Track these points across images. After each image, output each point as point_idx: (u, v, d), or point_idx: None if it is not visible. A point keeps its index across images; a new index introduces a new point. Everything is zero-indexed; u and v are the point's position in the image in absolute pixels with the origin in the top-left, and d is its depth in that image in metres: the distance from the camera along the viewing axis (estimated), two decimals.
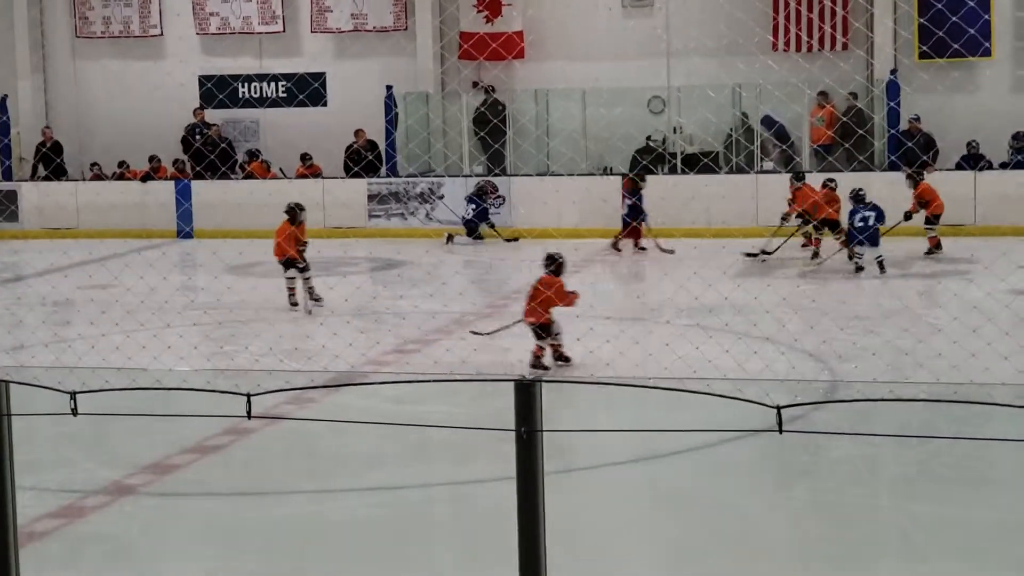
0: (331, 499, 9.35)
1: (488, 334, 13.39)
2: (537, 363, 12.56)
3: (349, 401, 11.35)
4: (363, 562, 8.08)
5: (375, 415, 10.54)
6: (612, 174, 22.96)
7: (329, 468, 10.00)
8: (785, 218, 19.39)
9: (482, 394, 11.44)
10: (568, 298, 12.74)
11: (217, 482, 9.83)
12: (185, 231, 23.88)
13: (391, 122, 24.47)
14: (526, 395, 4.62)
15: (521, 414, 4.62)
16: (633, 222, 20.29)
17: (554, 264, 12.81)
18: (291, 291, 16.10)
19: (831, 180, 19.38)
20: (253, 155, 25.35)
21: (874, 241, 17.71)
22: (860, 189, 18.38)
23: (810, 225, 19.11)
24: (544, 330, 12.56)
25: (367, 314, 15.57)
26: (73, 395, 4.60)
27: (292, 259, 15.98)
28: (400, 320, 15.14)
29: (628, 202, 20.35)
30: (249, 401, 4.58)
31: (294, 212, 16.30)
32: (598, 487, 9.32)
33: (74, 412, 4.58)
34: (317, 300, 15.99)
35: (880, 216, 17.85)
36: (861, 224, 17.73)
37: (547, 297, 12.53)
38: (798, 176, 19.93)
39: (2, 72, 26.69)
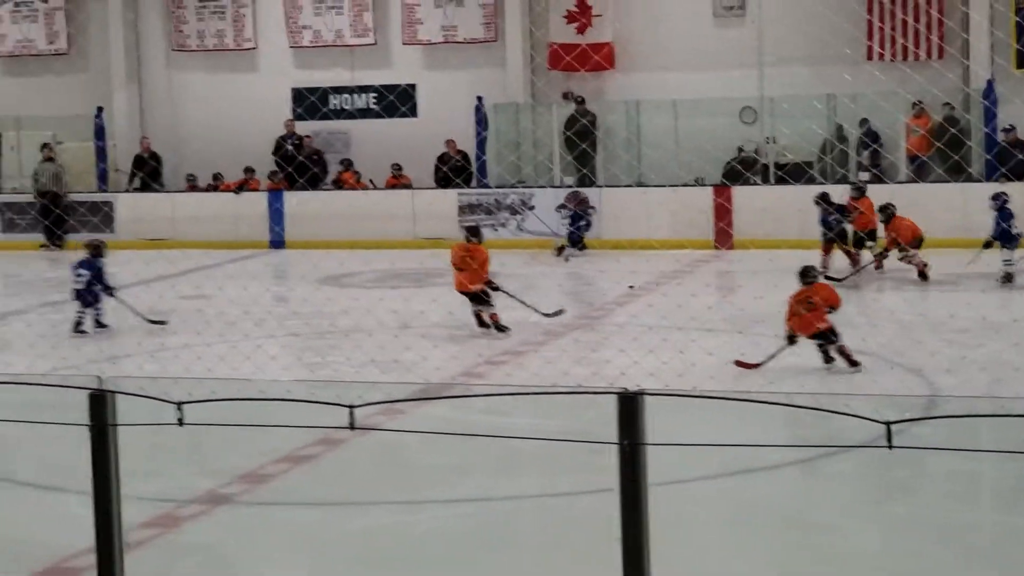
0: (420, 510, 9.32)
1: (755, 366, 12.66)
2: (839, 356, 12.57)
3: (441, 412, 11.31)
4: (451, 574, 8.02)
5: (466, 427, 10.49)
6: (704, 184, 22.79)
7: (419, 479, 9.96)
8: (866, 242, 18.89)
9: (575, 406, 11.35)
10: (833, 300, 12.83)
11: (310, 492, 9.83)
12: (277, 241, 24.03)
13: (481, 133, 24.46)
14: (630, 407, 4.55)
15: (624, 426, 4.55)
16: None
17: (808, 276, 12.88)
18: (478, 316, 15.44)
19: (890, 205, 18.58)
20: (345, 165, 25.48)
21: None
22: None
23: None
24: (824, 338, 12.57)
25: (462, 326, 15.54)
26: (179, 405, 4.58)
27: (473, 293, 15.30)
28: (495, 331, 15.09)
29: None
30: (352, 413, 4.55)
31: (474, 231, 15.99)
32: (694, 501, 9.19)
33: (180, 422, 4.58)
34: (501, 329, 15.14)
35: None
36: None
37: (812, 308, 12.55)
38: (860, 189, 19.43)
39: (99, 84, 27.06)
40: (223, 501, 9.36)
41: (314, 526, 9.07)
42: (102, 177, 26.31)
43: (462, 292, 15.19)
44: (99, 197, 25.55)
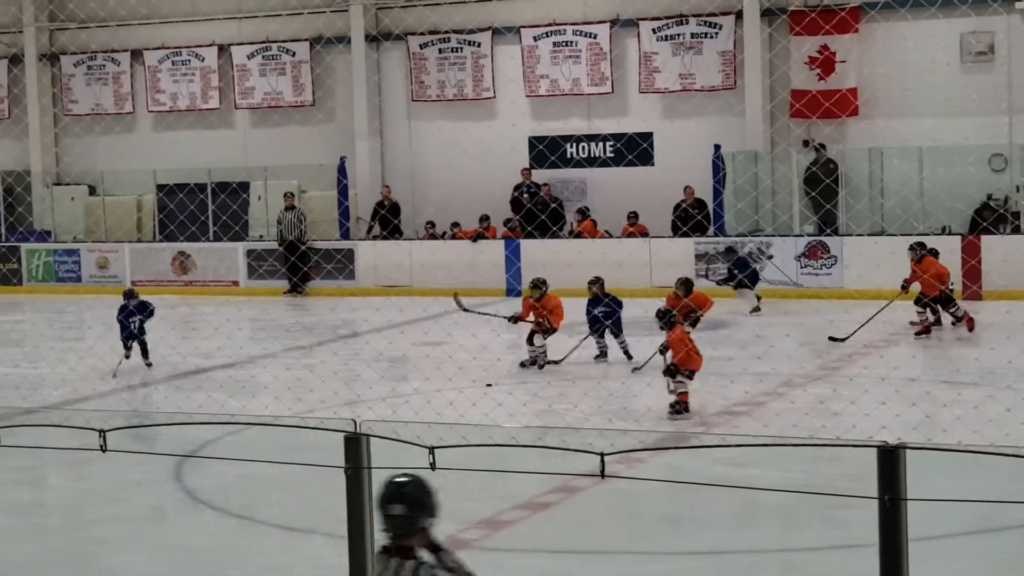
0: (658, 561, 9.20)
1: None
2: None
3: (676, 461, 11.16)
4: None
5: (703, 477, 10.32)
6: (951, 234, 22.13)
7: (657, 529, 9.84)
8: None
9: (816, 459, 11.09)
10: None
11: (547, 540, 9.78)
12: (515, 290, 24.17)
13: (719, 181, 24.24)
14: (890, 461, 4.35)
15: (885, 480, 4.35)
16: None
17: None
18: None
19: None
20: (583, 214, 25.53)
21: None
22: None
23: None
24: None
25: (698, 374, 15.34)
26: (432, 450, 4.59)
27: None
28: (728, 382, 14.87)
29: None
30: (603, 460, 4.47)
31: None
32: (951, 558, 8.82)
33: (432, 467, 4.58)
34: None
35: None
36: None
37: None
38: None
39: (342, 134, 27.77)
40: (461, 546, 9.36)
41: (551, 573, 9.02)
42: (343, 225, 26.95)
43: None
44: (340, 244, 26.17)
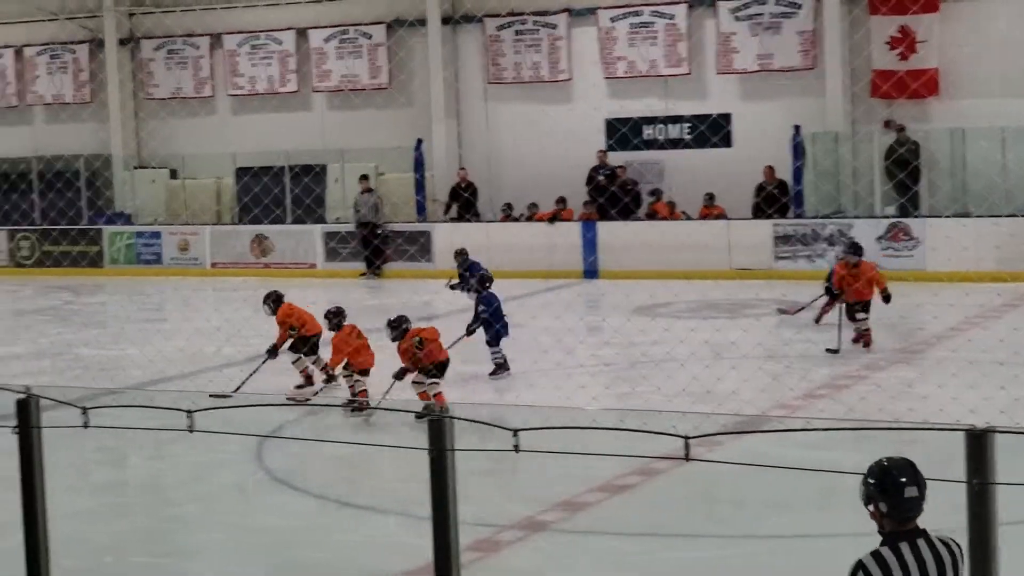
0: (737, 544, 9.14)
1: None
2: None
3: (755, 446, 11.06)
4: None
5: (784, 461, 10.22)
6: None
7: (735, 513, 9.78)
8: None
9: (898, 442, 10.95)
10: None
11: (626, 522, 9.76)
12: (591, 271, 24.14)
13: (798, 163, 24.02)
14: (979, 444, 4.28)
15: (973, 464, 4.29)
16: None
17: None
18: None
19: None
20: (656, 196, 25.42)
21: None
22: None
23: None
24: None
25: (778, 357, 15.25)
26: (515, 432, 4.58)
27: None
28: (810, 365, 14.76)
29: None
30: (687, 444, 4.44)
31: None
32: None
33: (516, 448, 4.57)
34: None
35: None
36: None
37: None
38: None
39: (419, 117, 27.80)
40: (541, 528, 9.37)
41: (631, 556, 8.99)
42: (420, 207, 27.00)
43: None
44: (417, 227, 26.24)
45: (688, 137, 25.89)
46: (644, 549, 9.13)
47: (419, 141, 27.02)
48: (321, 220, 27.54)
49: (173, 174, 29.95)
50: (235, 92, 29.76)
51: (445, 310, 20.84)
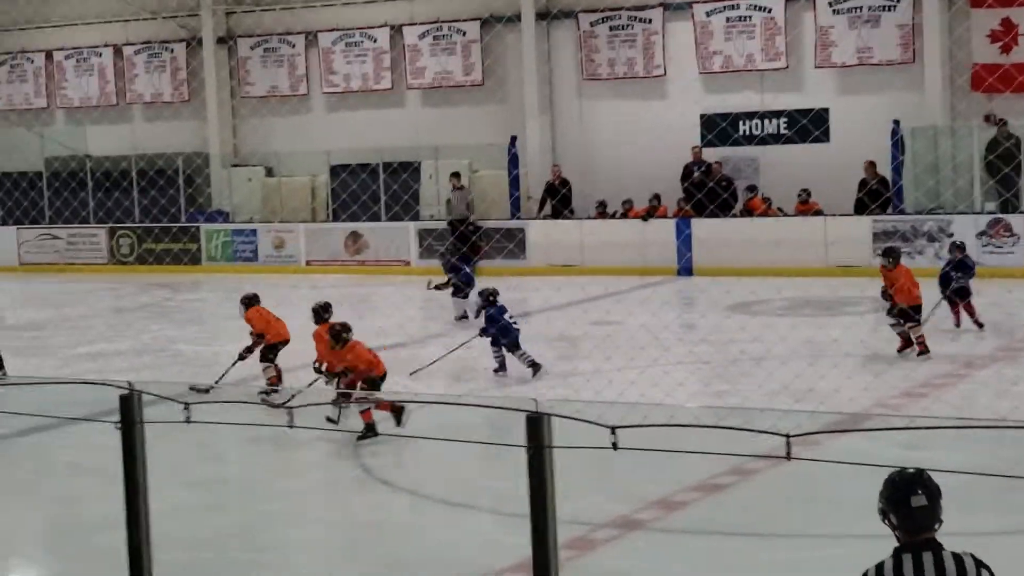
0: (836, 544, 9.01)
1: None
2: None
3: (855, 444, 10.92)
4: None
5: (884, 460, 10.07)
6: None
7: (833, 513, 9.64)
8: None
9: (1001, 441, 10.76)
10: None
11: (722, 521, 9.66)
12: (686, 268, 23.98)
13: (898, 158, 23.69)
14: None
15: None
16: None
17: None
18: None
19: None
20: (753, 191, 25.19)
21: None
22: None
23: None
24: None
25: (880, 356, 15.05)
26: (613, 430, 4.52)
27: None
28: (912, 363, 14.55)
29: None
30: (788, 443, 4.36)
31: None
32: None
33: (614, 447, 4.52)
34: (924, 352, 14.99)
35: None
36: None
37: None
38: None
39: (512, 114, 27.79)
40: (637, 527, 9.30)
41: (726, 556, 8.91)
42: (515, 204, 26.99)
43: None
44: (511, 224, 26.23)
45: (785, 132, 25.62)
46: (740, 549, 9.03)
47: (513, 138, 27.00)
48: (415, 217, 27.63)
49: (269, 172, 30.20)
50: (330, 90, 29.94)
51: (539, 306, 20.82)
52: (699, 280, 23.29)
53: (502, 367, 15.02)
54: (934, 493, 4.76)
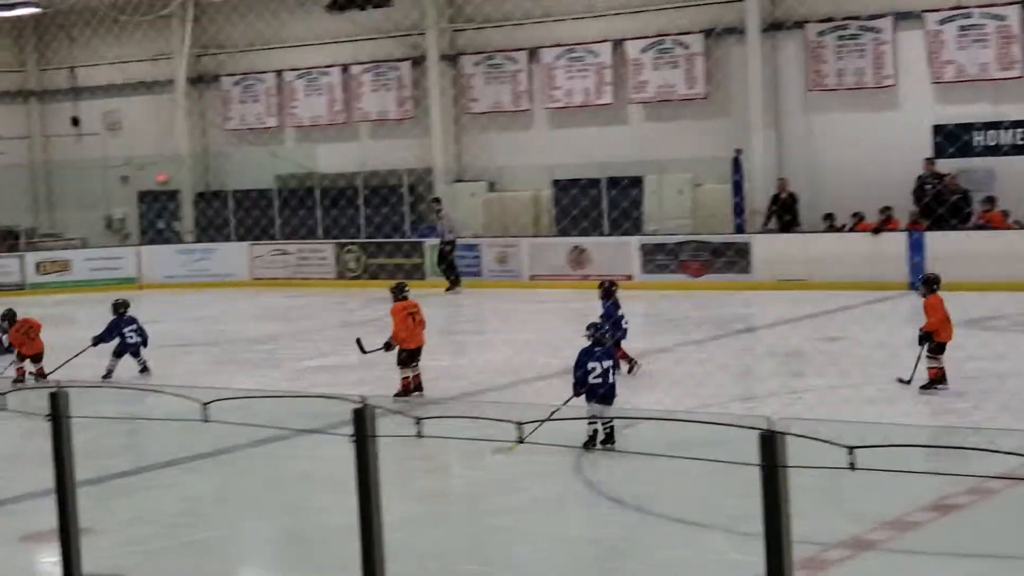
0: None
1: None
2: None
3: None
4: None
5: None
6: None
7: None
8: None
9: None
10: None
11: (958, 542, 9.34)
12: (917, 284, 23.32)
13: None
14: None
15: None
16: None
17: None
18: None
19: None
20: (991, 203, 24.37)
21: None
22: None
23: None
24: None
25: None
26: (851, 449, 4.40)
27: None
28: None
29: None
30: None
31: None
32: None
33: (852, 467, 4.40)
34: None
35: None
36: None
37: None
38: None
39: (736, 127, 27.50)
40: (869, 547, 9.06)
41: None
42: (737, 218, 26.70)
43: None
44: (736, 238, 25.95)
45: (1022, 143, 24.73)
46: (976, 571, 8.74)
47: (737, 151, 26.72)
48: (637, 231, 27.54)
49: (491, 187, 30.50)
50: (551, 105, 30.09)
51: (760, 322, 20.54)
52: None
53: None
54: None
